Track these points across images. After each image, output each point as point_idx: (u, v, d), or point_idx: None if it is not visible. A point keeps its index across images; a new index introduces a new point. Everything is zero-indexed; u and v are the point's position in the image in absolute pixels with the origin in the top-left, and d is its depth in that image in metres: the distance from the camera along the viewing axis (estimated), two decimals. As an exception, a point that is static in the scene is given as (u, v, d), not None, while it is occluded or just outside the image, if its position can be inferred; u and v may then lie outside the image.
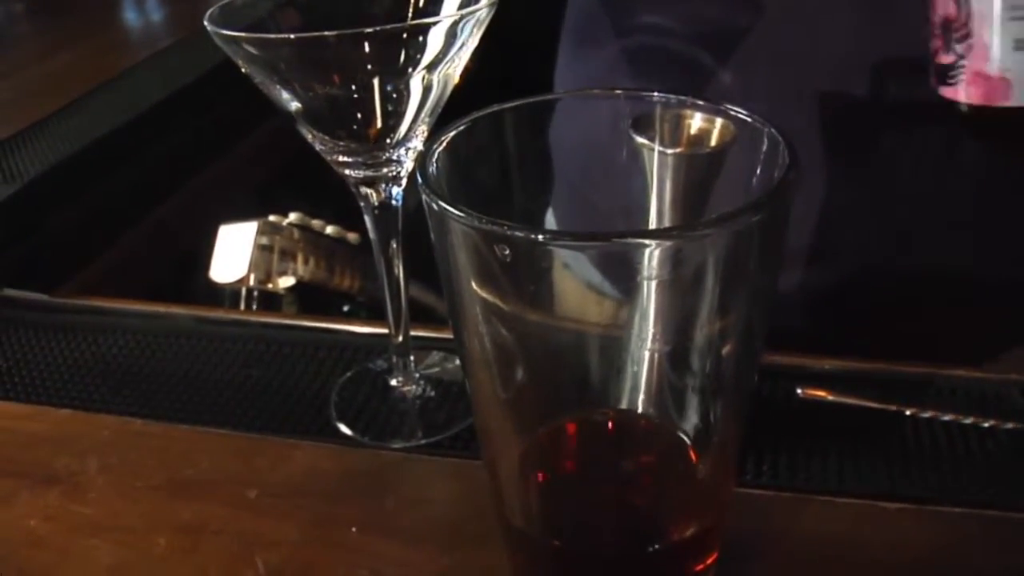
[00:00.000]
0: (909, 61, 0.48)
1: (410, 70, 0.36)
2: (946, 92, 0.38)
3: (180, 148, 0.84)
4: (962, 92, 0.37)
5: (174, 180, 0.82)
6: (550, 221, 0.57)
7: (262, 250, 0.77)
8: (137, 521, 0.40)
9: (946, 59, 0.38)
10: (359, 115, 0.38)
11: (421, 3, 0.40)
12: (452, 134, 0.29)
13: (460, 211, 0.24)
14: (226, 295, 0.78)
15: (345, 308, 0.83)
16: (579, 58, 0.63)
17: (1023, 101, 0.35)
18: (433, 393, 0.47)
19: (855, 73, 0.50)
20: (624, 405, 0.32)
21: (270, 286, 0.76)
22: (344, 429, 0.45)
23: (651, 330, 0.30)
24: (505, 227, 0.24)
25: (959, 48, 0.37)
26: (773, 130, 0.27)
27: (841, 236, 0.54)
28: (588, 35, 0.62)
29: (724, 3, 0.53)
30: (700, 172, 0.31)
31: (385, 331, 0.46)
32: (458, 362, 0.48)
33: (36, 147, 0.74)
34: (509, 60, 0.82)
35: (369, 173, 0.40)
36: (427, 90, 0.38)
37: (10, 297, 0.59)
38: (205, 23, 0.36)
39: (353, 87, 0.37)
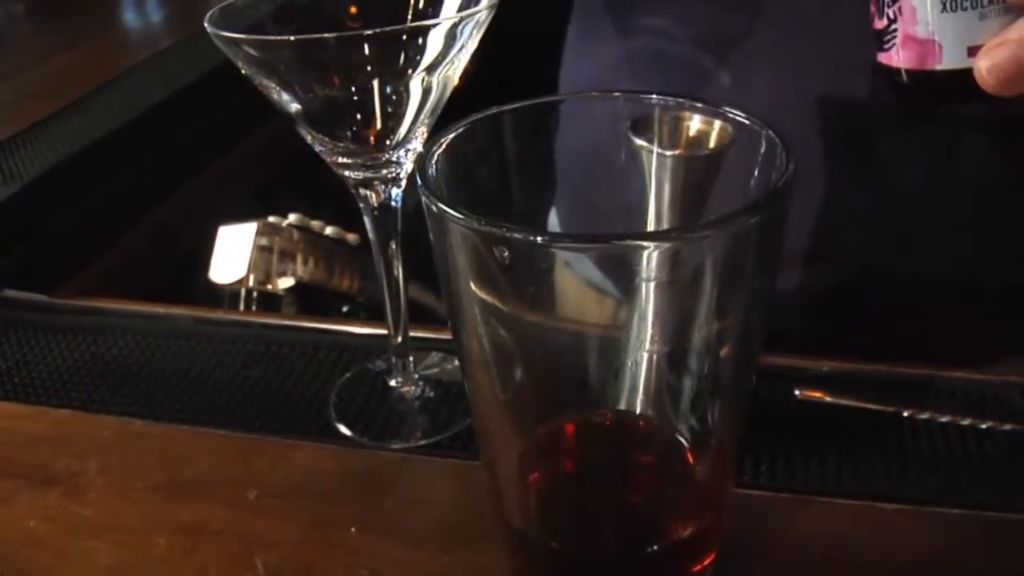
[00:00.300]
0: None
1: (410, 72, 0.36)
2: (882, 58, 0.38)
3: (179, 149, 0.84)
4: (896, 56, 0.36)
5: (174, 181, 0.82)
6: (552, 220, 0.57)
7: (261, 251, 0.77)
8: (137, 522, 0.40)
9: (880, 24, 0.37)
10: (359, 117, 0.38)
11: (421, 5, 0.40)
12: (451, 136, 0.29)
13: (459, 213, 0.24)
14: (225, 296, 0.78)
15: (344, 309, 0.83)
16: (583, 58, 0.63)
17: (953, 64, 0.35)
18: (432, 394, 0.47)
19: (855, 74, 0.50)
20: (623, 406, 0.33)
21: (269, 287, 0.76)
22: (343, 430, 0.45)
23: (649, 331, 0.30)
24: (504, 229, 0.24)
25: (890, 12, 0.36)
26: (771, 132, 0.27)
27: (841, 237, 0.55)
28: (592, 35, 0.62)
29: (724, 4, 0.53)
30: (698, 174, 0.31)
31: (384, 332, 0.46)
32: (457, 363, 0.48)
33: (36, 148, 0.74)
34: (510, 60, 0.82)
35: (368, 174, 0.40)
36: (426, 92, 0.38)
37: (10, 298, 0.59)
38: (205, 25, 0.36)
39: (353, 89, 0.37)
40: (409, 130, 0.39)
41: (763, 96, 0.52)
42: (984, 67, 0.33)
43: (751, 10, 0.52)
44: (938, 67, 0.35)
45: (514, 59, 0.85)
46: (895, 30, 0.36)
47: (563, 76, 0.65)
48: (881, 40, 0.37)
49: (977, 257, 0.55)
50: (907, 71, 0.36)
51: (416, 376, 0.47)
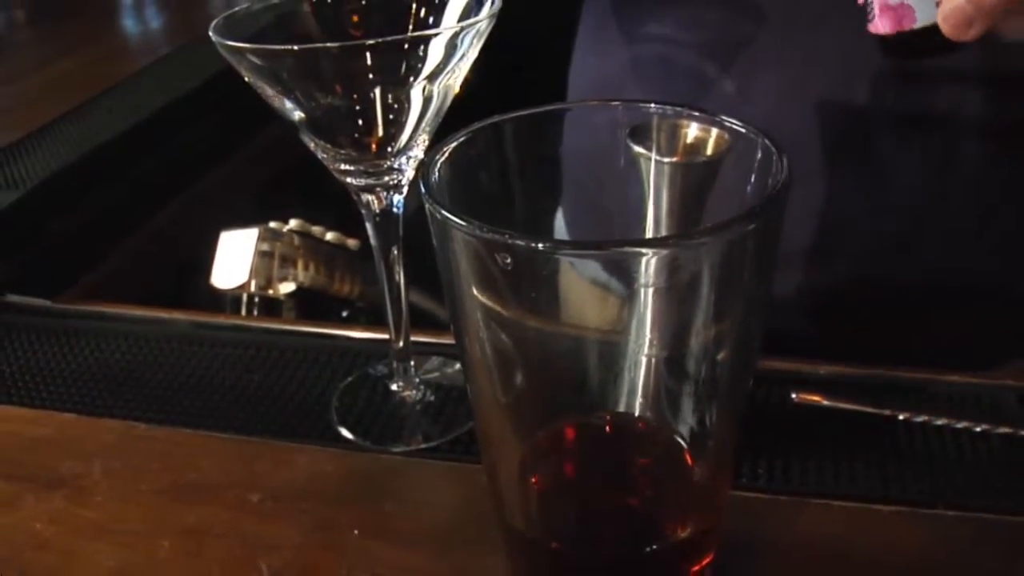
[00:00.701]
0: (909, 67, 0.49)
1: (411, 80, 0.37)
2: (870, 28, 0.41)
3: (181, 154, 0.84)
4: (879, 25, 0.41)
5: (175, 186, 0.83)
6: (553, 226, 0.57)
7: (263, 256, 0.77)
8: (140, 524, 0.41)
9: (859, 0, 0.42)
10: (361, 124, 0.38)
11: (422, 14, 0.41)
12: (454, 144, 0.29)
13: (462, 220, 0.25)
14: (227, 301, 0.78)
15: (344, 313, 0.83)
16: (593, 58, 0.63)
17: (927, 20, 0.39)
18: (433, 398, 0.47)
19: (856, 80, 0.50)
20: (622, 409, 0.33)
21: (271, 292, 0.77)
22: (345, 433, 0.45)
23: (648, 336, 0.31)
24: (507, 236, 0.24)
25: None
26: (767, 140, 0.28)
27: (840, 240, 0.55)
28: (601, 35, 0.62)
29: (727, 10, 0.53)
30: (696, 181, 0.32)
31: (385, 336, 0.46)
32: (458, 367, 0.49)
33: (38, 154, 0.75)
34: (513, 65, 0.83)
35: (370, 181, 0.40)
36: (427, 100, 0.38)
37: (13, 303, 0.59)
38: (210, 33, 0.36)
39: (354, 97, 0.37)
40: (410, 138, 0.39)
41: (766, 101, 0.52)
42: (940, 19, 0.37)
43: (754, 17, 0.52)
44: (916, 26, 0.39)
45: (525, 53, 0.85)
46: (872, 2, 0.40)
47: (572, 73, 0.66)
48: (865, 14, 0.41)
49: (975, 261, 0.55)
50: (891, 35, 0.40)
51: (417, 380, 0.48)
